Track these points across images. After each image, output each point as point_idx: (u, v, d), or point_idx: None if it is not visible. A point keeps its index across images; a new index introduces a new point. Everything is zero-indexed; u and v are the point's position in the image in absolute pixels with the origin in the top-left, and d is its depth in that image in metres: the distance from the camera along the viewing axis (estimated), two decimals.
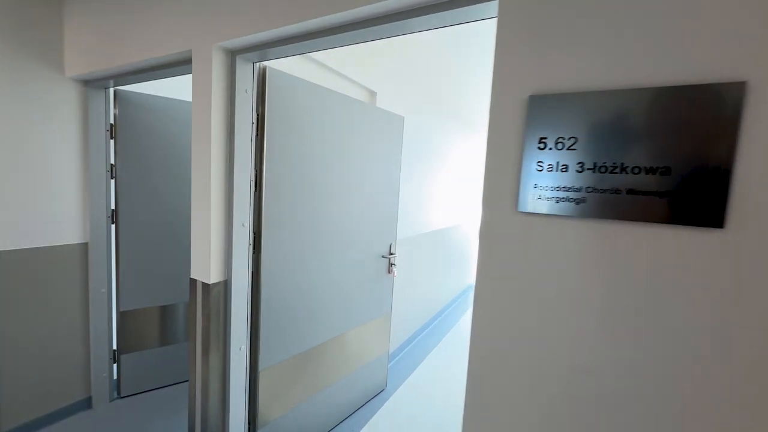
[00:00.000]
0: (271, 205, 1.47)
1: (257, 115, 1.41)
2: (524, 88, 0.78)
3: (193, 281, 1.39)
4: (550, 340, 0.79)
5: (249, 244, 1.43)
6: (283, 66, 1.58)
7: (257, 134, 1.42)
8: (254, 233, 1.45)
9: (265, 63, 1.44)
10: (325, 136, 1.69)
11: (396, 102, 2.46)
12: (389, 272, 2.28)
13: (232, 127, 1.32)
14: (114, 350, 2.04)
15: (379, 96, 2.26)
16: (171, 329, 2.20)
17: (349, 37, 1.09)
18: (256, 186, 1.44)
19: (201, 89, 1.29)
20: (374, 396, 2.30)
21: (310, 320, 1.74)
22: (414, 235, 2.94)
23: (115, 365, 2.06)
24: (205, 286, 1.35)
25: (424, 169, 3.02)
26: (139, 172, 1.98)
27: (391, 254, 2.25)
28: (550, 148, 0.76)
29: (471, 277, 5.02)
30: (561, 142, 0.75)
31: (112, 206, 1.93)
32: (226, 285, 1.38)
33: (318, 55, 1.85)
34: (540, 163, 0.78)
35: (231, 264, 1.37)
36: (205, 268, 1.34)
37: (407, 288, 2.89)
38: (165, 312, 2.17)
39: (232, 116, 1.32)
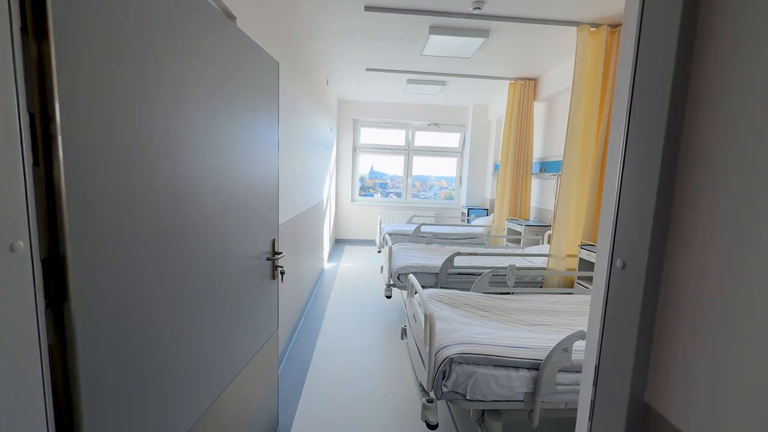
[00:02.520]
0: (82, 196, 0.68)
1: None
2: None
3: None
4: None
5: (35, 291, 0.61)
6: None
7: (23, 27, 0.59)
8: (46, 263, 0.63)
9: None
10: (175, 67, 0.93)
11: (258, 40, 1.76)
12: (274, 278, 1.67)
13: None
14: None
15: (239, 24, 1.53)
16: None
17: None
18: (35, 154, 0.61)
19: None
20: None
21: (176, 395, 1.01)
22: (285, 220, 2.34)
23: None
24: None
25: (289, 136, 2.41)
26: None
27: (277, 254, 1.65)
28: None
29: (324, 260, 4.71)
30: None
31: None
32: None
33: None
34: None
35: None
36: None
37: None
38: None
39: None
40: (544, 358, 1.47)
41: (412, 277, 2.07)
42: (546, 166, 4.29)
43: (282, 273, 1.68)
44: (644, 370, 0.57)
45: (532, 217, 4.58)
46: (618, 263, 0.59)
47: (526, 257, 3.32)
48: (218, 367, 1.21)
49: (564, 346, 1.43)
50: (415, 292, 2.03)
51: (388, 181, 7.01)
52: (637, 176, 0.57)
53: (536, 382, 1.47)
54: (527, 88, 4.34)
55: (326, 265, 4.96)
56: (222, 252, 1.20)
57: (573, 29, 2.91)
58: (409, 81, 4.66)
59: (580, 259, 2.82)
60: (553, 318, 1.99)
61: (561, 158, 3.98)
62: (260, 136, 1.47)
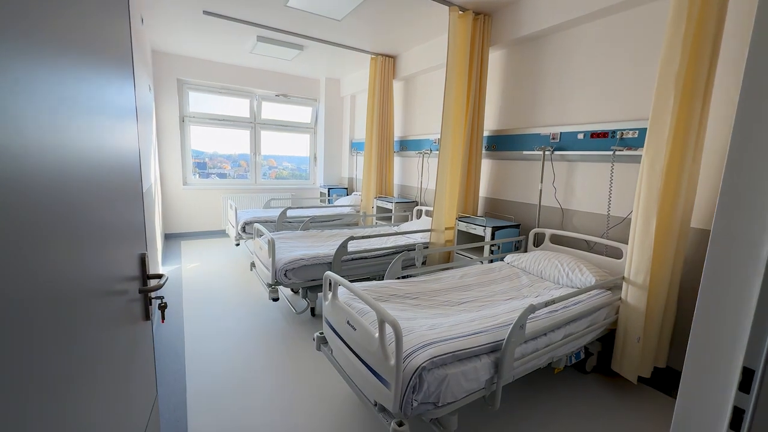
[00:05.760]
0: None
1: None
2: None
3: None
4: None
5: None
6: None
7: None
8: None
9: None
10: None
11: None
12: (148, 318, 1.00)
13: None
14: None
15: None
16: None
17: None
18: None
19: None
20: None
21: None
22: None
23: None
24: None
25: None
26: None
27: (151, 278, 0.98)
28: None
29: (158, 264, 3.53)
30: None
31: None
32: None
33: None
34: None
35: None
36: None
37: None
38: None
39: None
40: (500, 338, 1.43)
41: (331, 273, 1.69)
42: (407, 145, 4.46)
43: (163, 307, 1.02)
44: None
45: (396, 195, 4.74)
46: None
47: (407, 234, 3.37)
48: None
49: (521, 323, 1.43)
50: (338, 285, 1.67)
51: (207, 160, 5.81)
52: None
53: (497, 365, 1.42)
54: (387, 65, 4.33)
55: (162, 270, 3.78)
56: (44, 295, 0.56)
57: (443, 10, 2.98)
58: (261, 38, 3.90)
59: (458, 230, 3.05)
60: (471, 292, 2.03)
61: (420, 137, 4.21)
62: (105, 73, 0.77)
